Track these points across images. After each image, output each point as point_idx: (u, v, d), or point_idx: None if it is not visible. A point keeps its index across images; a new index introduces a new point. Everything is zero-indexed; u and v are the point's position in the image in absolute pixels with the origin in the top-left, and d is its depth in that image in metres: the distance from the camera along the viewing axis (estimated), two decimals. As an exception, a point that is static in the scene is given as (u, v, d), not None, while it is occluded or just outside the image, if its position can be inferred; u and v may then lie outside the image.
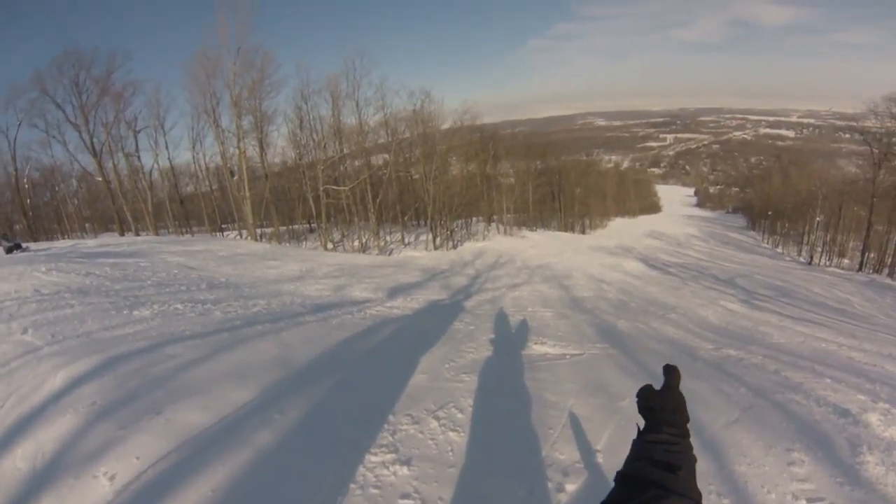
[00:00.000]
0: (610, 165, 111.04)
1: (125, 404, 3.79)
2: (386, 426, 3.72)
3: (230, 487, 2.86)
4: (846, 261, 40.13)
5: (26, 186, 43.22)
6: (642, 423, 1.25)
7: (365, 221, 36.71)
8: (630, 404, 4.28)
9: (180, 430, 3.42)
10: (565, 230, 54.18)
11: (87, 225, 50.16)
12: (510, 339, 7.02)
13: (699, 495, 1.05)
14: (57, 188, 48.79)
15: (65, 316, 6.79)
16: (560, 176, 58.00)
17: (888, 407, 4.70)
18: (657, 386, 1.31)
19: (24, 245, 18.71)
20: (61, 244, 21.49)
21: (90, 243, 21.86)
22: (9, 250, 16.74)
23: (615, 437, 3.74)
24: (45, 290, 8.46)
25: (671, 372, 1.36)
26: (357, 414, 3.95)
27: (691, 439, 1.20)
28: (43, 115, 38.19)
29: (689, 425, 1.25)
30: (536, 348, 6.35)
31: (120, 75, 38.59)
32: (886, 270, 31.89)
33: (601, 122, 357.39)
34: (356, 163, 40.67)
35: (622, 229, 57.86)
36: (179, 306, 7.74)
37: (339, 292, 11.25)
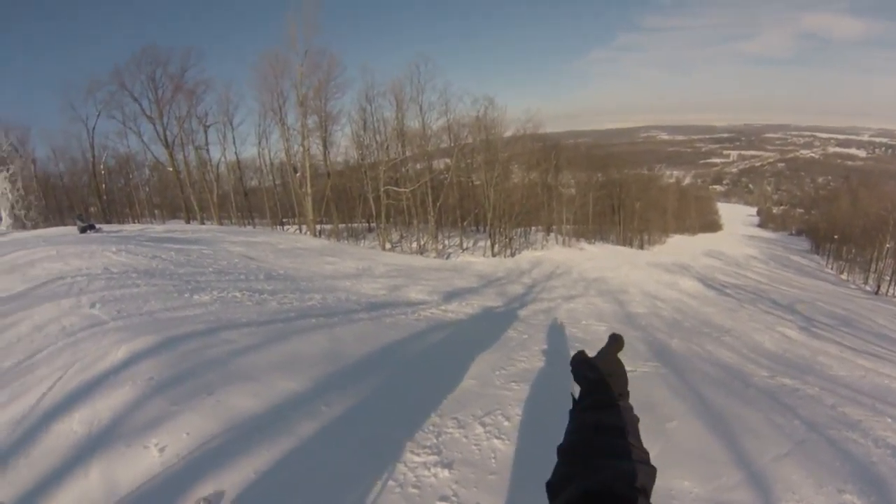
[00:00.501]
0: (671, 181, 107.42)
1: (180, 382, 4.04)
2: (431, 428, 3.79)
3: (272, 472, 3.01)
4: (918, 292, 37.45)
5: (102, 172, 47.82)
6: (577, 392, 1.22)
7: (424, 224, 37.23)
8: (678, 426, 4.21)
9: (230, 412, 3.62)
10: (623, 244, 53.02)
11: (156, 211, 54.21)
12: (562, 351, 6.96)
13: (647, 454, 1.02)
14: (130, 175, 53.38)
15: (130, 294, 7.34)
16: (621, 189, 57.14)
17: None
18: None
19: (97, 226, 20.36)
20: (131, 227, 22.97)
21: (158, 228, 23.26)
22: (83, 230, 18.35)
23: (660, 457, 3.67)
24: (115, 269, 9.11)
25: (614, 339, 1.34)
26: (403, 413, 4.04)
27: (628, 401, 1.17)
28: (121, 108, 42.22)
29: (628, 388, 1.22)
30: None
31: (193, 73, 42.36)
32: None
33: (664, 136, 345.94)
34: (418, 166, 41.36)
35: (681, 246, 56.01)
36: (238, 294, 8.12)
37: (394, 292, 11.44)
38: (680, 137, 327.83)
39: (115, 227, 24.87)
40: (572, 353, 5.27)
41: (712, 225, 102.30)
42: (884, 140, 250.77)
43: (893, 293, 36.99)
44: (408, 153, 40.73)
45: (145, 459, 3.04)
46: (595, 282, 20.53)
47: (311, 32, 35.88)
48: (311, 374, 4.58)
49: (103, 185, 48.28)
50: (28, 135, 43.59)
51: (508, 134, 41.23)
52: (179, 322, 5.95)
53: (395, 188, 36.46)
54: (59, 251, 11.04)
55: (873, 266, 44.62)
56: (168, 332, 5.35)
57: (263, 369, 4.57)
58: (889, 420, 5.34)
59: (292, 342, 5.68)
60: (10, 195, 36.85)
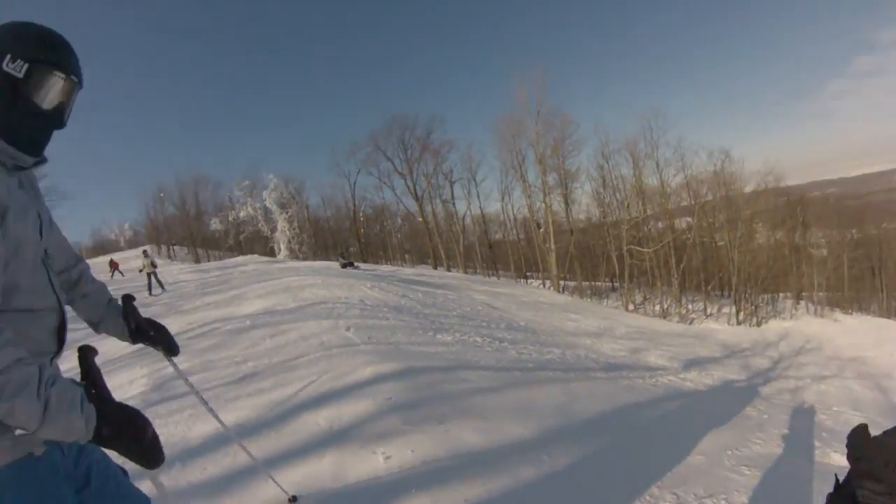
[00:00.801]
0: None
1: (414, 407, 4.25)
2: (648, 498, 3.42)
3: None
4: None
5: (361, 219, 59.40)
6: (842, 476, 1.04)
7: (667, 286, 35.77)
8: None
9: (455, 442, 3.68)
10: (889, 316, 43.14)
11: (406, 256, 61.84)
12: (805, 440, 5.87)
13: None
14: (385, 223, 62.88)
15: (380, 325, 8.19)
16: (881, 247, 47.29)
17: None
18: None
19: (356, 264, 23.51)
20: (384, 268, 25.48)
21: (408, 271, 25.42)
22: (344, 266, 21.64)
23: None
24: (369, 301, 10.19)
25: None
26: (623, 477, 3.73)
27: None
28: (376, 166, 52.99)
29: None
30: (834, 458, 5.17)
31: (437, 135, 50.97)
32: None
33: None
34: (659, 224, 40.35)
35: None
36: (478, 339, 8.43)
37: (634, 355, 10.98)
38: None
39: (370, 266, 28.09)
40: (817, 443, 4.40)
41: None
42: None
43: None
44: (648, 211, 40.19)
45: (371, 463, 3.34)
46: (852, 362, 17.44)
47: (542, 94, 38.07)
48: (540, 424, 4.46)
49: (362, 230, 58.25)
50: (303, 186, 56.62)
51: (749, 189, 39.14)
52: (422, 356, 6.39)
53: (637, 248, 36.14)
54: (324, 281, 12.75)
55: None
56: (410, 362, 5.76)
57: (494, 411, 4.58)
58: None
59: (526, 391, 5.65)
60: (287, 232, 45.97)
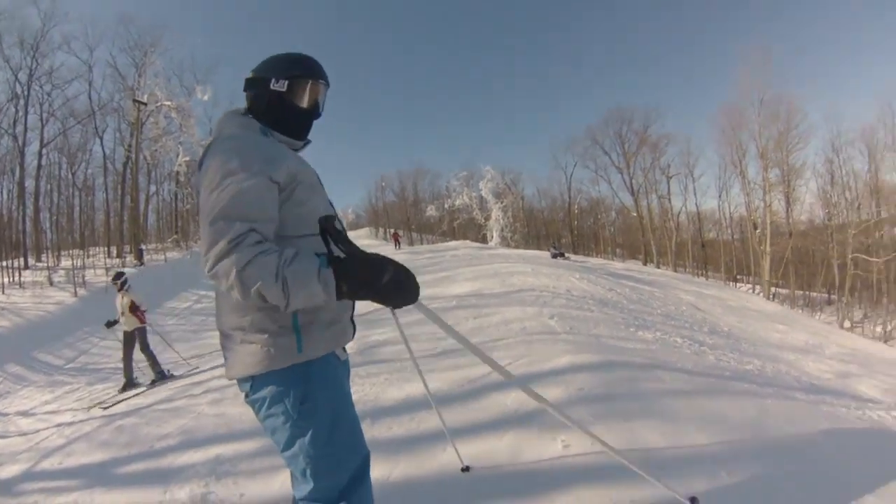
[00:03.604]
0: None
1: (604, 401, 4.37)
2: None
3: None
4: None
5: (575, 211, 57.38)
6: None
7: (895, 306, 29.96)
8: None
9: (635, 439, 3.75)
10: None
11: (617, 250, 59.78)
12: None
13: None
14: (598, 216, 62.72)
15: (583, 316, 8.25)
16: None
17: None
18: None
19: (566, 255, 23.56)
20: (595, 261, 25.22)
21: (617, 265, 24.91)
22: (554, 255, 21.83)
23: None
24: (575, 292, 10.36)
25: None
26: None
27: None
28: (593, 159, 53.99)
29: None
30: None
31: (655, 129, 48.54)
32: None
33: None
34: (895, 231, 33.49)
35: None
36: (678, 339, 8.12)
37: (842, 380, 9.67)
38: None
39: (580, 257, 27.89)
40: None
41: None
42: None
43: None
44: (883, 214, 33.95)
45: (550, 448, 3.53)
46: None
47: (766, 81, 33.65)
48: (724, 437, 4.30)
49: (575, 222, 58.29)
50: (519, 177, 59.26)
51: None
52: (621, 351, 6.37)
53: (864, 256, 30.78)
54: (533, 269, 13.11)
55: None
56: (609, 355, 5.80)
57: (682, 416, 4.51)
58: None
59: (718, 400, 5.41)
60: (501, 220, 47.81)
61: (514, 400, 4.31)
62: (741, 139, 37.28)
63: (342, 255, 1.61)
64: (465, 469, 3.28)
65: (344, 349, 2.02)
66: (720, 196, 45.50)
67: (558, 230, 59.12)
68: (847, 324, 29.50)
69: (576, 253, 41.01)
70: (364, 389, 4.91)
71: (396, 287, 1.55)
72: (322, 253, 1.63)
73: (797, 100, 34.95)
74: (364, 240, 31.92)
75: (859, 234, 31.80)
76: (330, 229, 1.72)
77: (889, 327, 28.74)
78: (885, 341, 26.25)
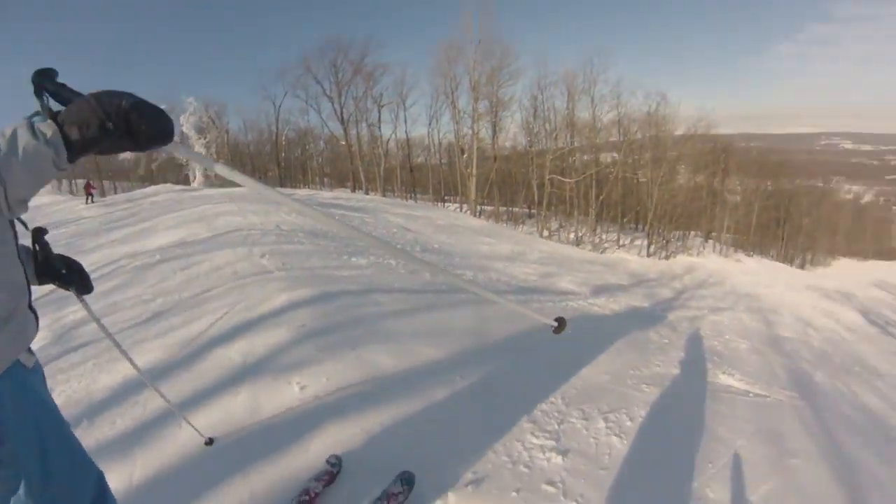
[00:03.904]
0: (848, 196, 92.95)
1: (328, 333, 4.24)
2: (556, 414, 3.61)
3: (395, 426, 3.08)
4: None
5: (283, 143, 55.09)
6: None
7: (584, 216, 36.70)
8: (801, 465, 3.63)
9: (369, 367, 3.72)
10: (784, 261, 47.31)
11: (325, 179, 59.69)
12: (699, 362, 6.38)
13: None
14: (307, 147, 60.28)
15: (295, 251, 7.96)
16: (789, 201, 51.63)
17: None
18: None
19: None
20: (302, 192, 24.72)
21: (326, 195, 24.91)
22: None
23: (774, 492, 3.19)
24: (284, 227, 9.91)
25: None
26: (533, 396, 3.89)
27: None
28: (305, 88, 49.08)
29: None
30: (723, 378, 5.69)
31: (373, 59, 47.42)
32: None
33: (847, 146, 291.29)
34: (584, 157, 40.77)
35: (847, 272, 48.45)
36: (392, 262, 8.35)
37: (545, 279, 11.24)
38: (866, 147, 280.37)
39: (288, 190, 27.10)
40: (709, 366, 4.77)
41: (890, 252, 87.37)
42: None
43: None
44: (576, 143, 40.42)
45: (287, 394, 3.32)
46: (746, 297, 18.86)
47: (487, 23, 37.00)
48: (452, 346, 4.55)
49: (282, 154, 55.61)
50: (225, 110, 52.28)
51: (679, 132, 39.95)
52: (336, 280, 6.27)
53: (559, 177, 36.50)
54: (239, 207, 12.27)
55: None
56: (324, 287, 5.65)
57: (408, 334, 4.62)
58: None
59: (439, 313, 5.71)
60: None
61: (238, 352, 3.94)
62: (456, 72, 39.89)
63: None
64: (209, 442, 2.77)
65: (30, 350, 1.38)
66: (430, 124, 47.98)
67: (265, 164, 56.41)
68: (546, 233, 35.11)
69: (283, 187, 39.99)
70: (70, 386, 3.83)
71: (140, 114, 1.07)
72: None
73: (512, 44, 38.77)
74: (45, 196, 26.37)
75: (556, 159, 37.63)
76: (47, 85, 1.12)
77: (580, 234, 34.92)
78: (577, 245, 31.56)
